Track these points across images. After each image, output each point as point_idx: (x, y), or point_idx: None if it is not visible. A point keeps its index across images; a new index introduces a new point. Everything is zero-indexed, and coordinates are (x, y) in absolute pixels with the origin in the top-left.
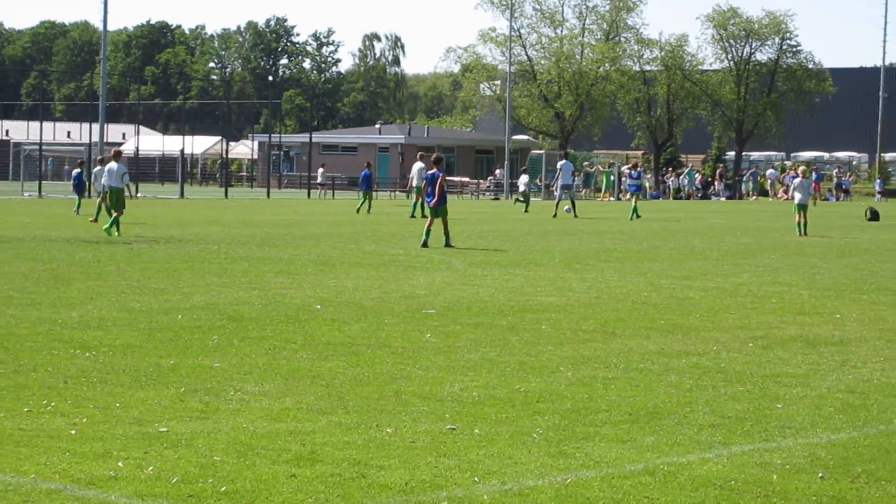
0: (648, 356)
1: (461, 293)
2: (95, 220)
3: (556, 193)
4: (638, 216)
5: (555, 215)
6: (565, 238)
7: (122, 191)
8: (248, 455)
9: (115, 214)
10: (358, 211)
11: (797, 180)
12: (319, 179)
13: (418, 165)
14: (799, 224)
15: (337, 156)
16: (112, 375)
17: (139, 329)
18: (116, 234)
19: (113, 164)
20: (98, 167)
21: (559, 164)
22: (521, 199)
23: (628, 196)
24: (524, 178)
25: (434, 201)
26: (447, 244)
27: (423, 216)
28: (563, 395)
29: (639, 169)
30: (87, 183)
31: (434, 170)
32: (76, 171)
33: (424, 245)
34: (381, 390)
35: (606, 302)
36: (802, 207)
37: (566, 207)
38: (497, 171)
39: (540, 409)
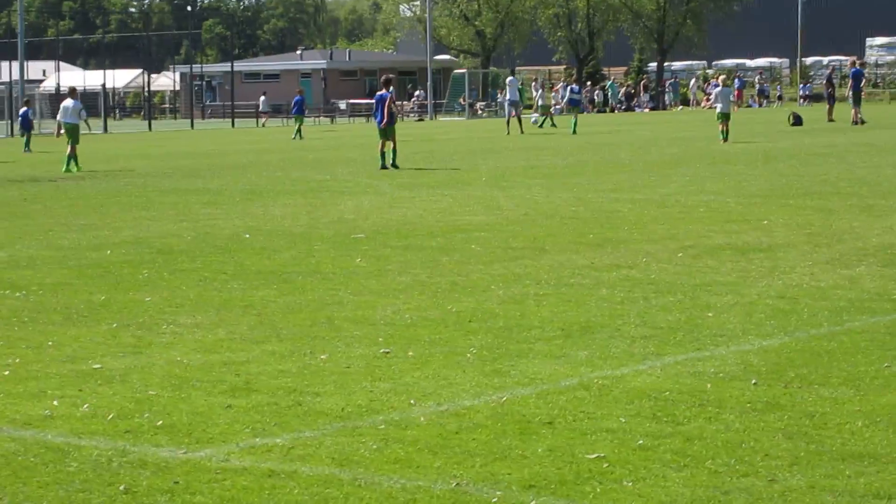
0: (579, 271)
1: (390, 216)
2: None
3: (505, 110)
4: (574, 132)
5: (509, 133)
6: (491, 156)
7: (78, 127)
8: (184, 388)
9: (69, 151)
10: (294, 137)
11: (718, 89)
12: (262, 108)
13: None
14: (722, 132)
15: (259, 83)
16: (43, 314)
17: (69, 266)
18: (76, 169)
19: (69, 101)
20: None
21: (507, 79)
22: (545, 114)
23: (566, 111)
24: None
25: (384, 122)
26: (394, 164)
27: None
28: (496, 314)
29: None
30: (32, 121)
31: (382, 91)
32: (23, 109)
33: (383, 167)
34: (313, 317)
35: (535, 218)
36: (725, 116)
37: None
38: (418, 93)
39: (473, 328)
